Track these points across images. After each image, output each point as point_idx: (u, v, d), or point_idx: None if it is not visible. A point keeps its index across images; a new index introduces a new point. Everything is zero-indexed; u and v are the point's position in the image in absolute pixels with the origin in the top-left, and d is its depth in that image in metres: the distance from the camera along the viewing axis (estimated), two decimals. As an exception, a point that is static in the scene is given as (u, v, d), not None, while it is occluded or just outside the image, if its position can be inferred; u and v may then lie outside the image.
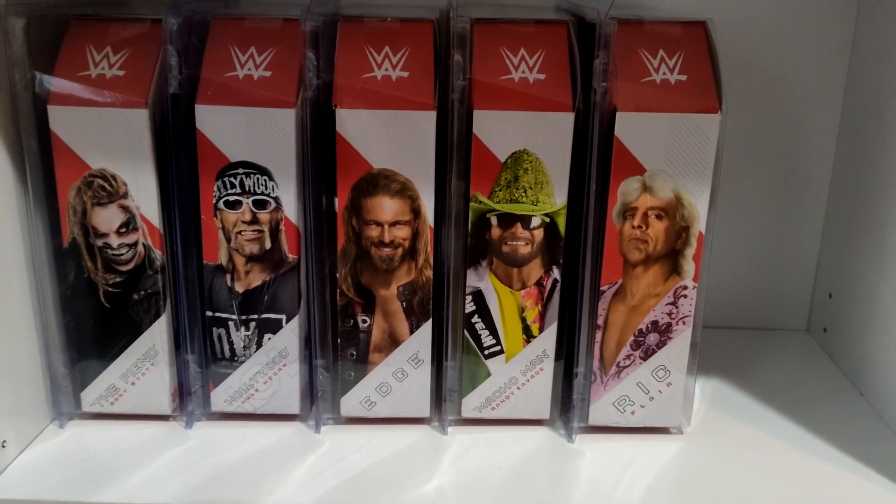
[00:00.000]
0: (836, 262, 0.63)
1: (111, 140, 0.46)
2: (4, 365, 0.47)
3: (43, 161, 0.47)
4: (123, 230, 0.48)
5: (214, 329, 0.50)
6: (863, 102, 0.59)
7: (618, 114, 0.45)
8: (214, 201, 0.47)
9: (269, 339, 0.50)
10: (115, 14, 0.49)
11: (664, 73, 0.46)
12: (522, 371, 0.50)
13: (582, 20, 0.49)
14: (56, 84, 0.46)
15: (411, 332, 0.49)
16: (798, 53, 0.61)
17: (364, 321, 0.49)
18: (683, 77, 0.45)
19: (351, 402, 0.51)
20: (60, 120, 0.46)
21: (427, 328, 0.49)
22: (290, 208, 0.47)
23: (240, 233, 0.48)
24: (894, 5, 0.54)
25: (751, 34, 0.60)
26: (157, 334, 0.49)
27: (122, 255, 0.48)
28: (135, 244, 0.48)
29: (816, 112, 0.62)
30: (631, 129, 0.45)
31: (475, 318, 0.49)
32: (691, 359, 0.50)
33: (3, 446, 0.46)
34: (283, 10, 0.51)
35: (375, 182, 0.47)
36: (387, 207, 0.47)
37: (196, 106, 0.46)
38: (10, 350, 0.47)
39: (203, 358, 0.50)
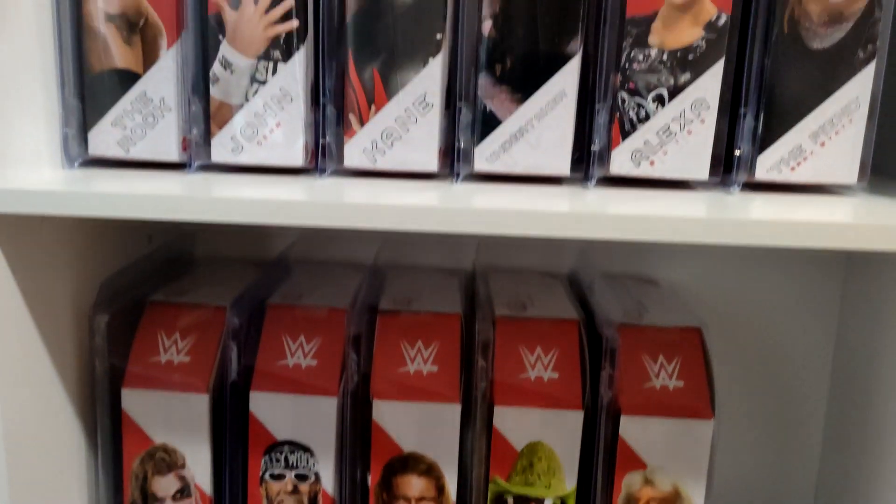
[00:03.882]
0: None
1: (174, 419, 0.52)
2: None
3: (113, 433, 0.53)
4: (178, 496, 0.53)
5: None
6: (851, 367, 0.64)
7: (622, 417, 0.50)
8: (261, 473, 0.53)
9: None
10: (183, 300, 0.56)
11: (663, 380, 0.51)
12: None
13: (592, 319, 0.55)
14: (130, 370, 0.53)
15: None
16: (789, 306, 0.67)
17: (389, 582, 0.54)
18: (680, 383, 0.51)
19: None
20: (132, 401, 0.52)
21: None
22: (328, 481, 0.53)
23: (281, 502, 0.53)
24: (875, 291, 0.61)
25: (743, 302, 0.66)
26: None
27: (175, 516, 0.54)
28: (187, 508, 0.54)
29: (808, 374, 0.67)
30: (634, 430, 0.51)
31: (491, 585, 0.54)
32: None
33: None
34: (333, 278, 0.58)
35: (405, 463, 0.52)
36: (414, 485, 0.52)
37: (251, 392, 0.52)
38: None
39: None
